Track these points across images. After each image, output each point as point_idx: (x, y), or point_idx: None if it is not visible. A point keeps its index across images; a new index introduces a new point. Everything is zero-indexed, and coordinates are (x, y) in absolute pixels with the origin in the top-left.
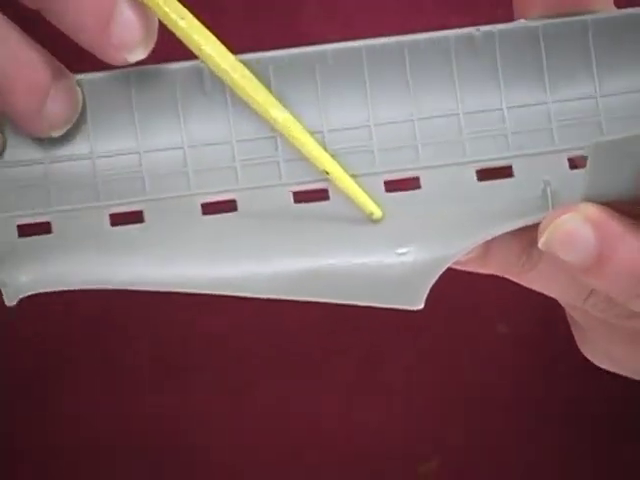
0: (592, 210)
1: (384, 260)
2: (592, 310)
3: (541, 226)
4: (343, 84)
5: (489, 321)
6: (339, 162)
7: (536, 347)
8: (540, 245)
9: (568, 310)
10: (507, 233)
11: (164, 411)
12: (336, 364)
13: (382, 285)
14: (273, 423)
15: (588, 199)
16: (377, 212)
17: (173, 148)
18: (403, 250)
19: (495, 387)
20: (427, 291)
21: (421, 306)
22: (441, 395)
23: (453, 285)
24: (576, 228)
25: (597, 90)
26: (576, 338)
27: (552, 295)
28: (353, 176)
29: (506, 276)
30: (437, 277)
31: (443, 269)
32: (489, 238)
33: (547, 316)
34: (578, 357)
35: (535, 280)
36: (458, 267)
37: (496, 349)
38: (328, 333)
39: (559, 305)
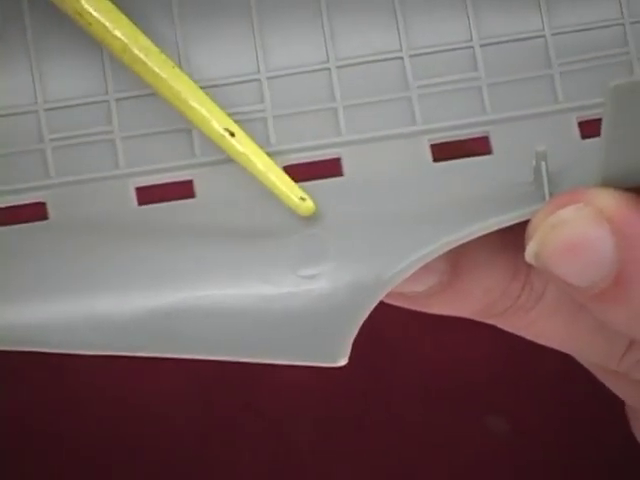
0: (609, 200)
1: (282, 288)
2: (634, 373)
3: (529, 226)
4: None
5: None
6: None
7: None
8: (527, 256)
9: (599, 376)
10: (490, 245)
11: None
12: None
13: (281, 328)
14: None
15: (605, 182)
16: (303, 203)
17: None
18: (310, 271)
19: None
20: (352, 337)
21: (344, 362)
22: None
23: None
24: (583, 230)
25: (624, 14)
26: (629, 418)
27: (569, 351)
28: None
29: (490, 321)
30: (366, 315)
31: (375, 302)
32: (451, 247)
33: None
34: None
35: (539, 325)
36: (407, 305)
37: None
38: None
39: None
